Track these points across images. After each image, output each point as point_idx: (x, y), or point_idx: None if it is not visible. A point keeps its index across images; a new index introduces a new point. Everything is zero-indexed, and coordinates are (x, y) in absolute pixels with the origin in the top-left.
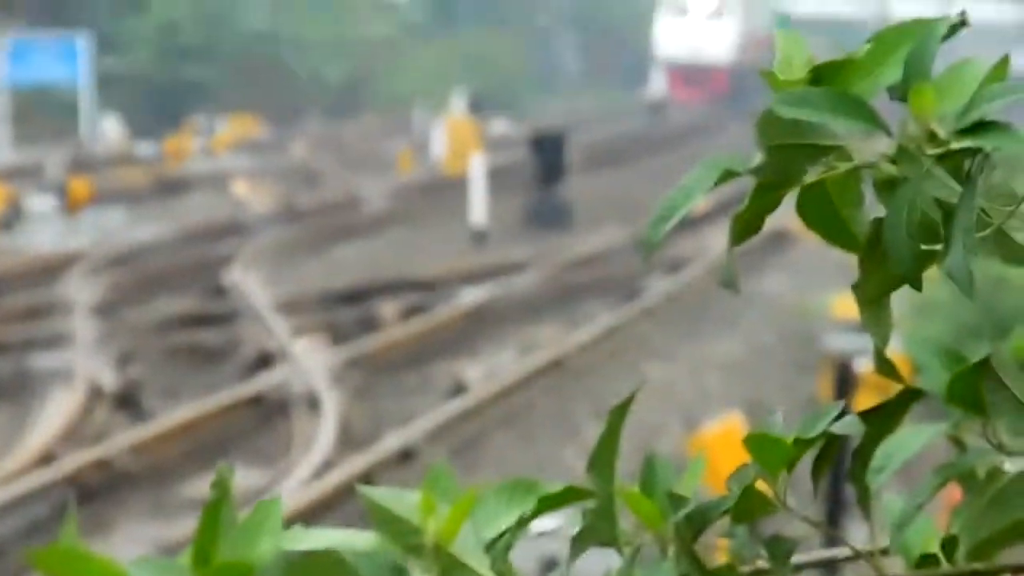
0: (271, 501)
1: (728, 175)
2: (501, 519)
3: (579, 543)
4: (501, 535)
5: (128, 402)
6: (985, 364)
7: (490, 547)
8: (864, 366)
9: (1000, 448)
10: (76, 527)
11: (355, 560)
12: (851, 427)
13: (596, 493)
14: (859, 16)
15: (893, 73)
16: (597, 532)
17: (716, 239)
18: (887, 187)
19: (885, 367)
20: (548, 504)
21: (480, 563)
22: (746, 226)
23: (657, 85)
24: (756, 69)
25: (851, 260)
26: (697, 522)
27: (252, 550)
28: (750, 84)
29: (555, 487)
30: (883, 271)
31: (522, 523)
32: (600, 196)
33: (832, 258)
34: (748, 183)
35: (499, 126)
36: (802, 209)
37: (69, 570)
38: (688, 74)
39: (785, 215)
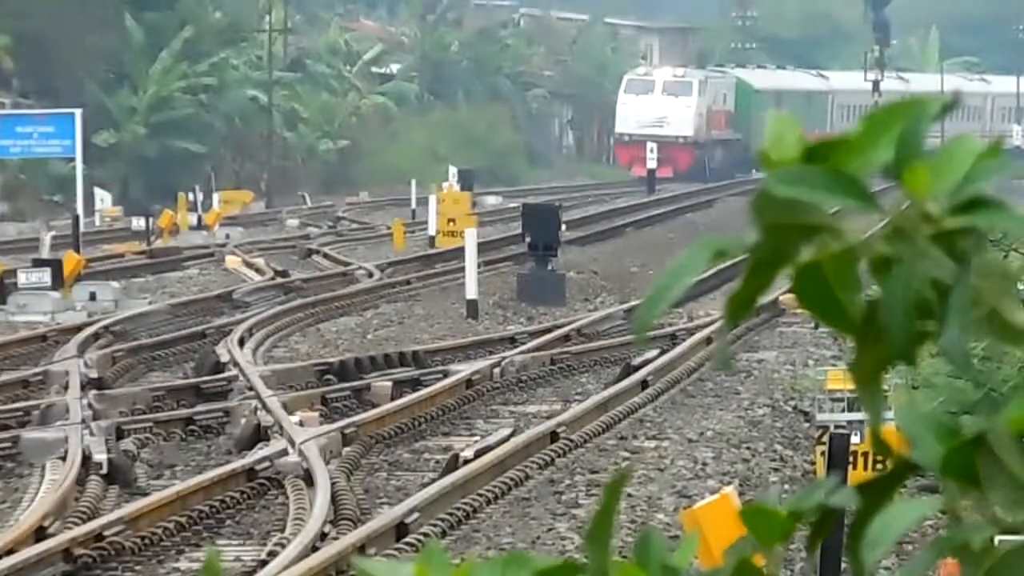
0: None
1: (721, 255)
2: None
3: None
4: None
5: (121, 476)
6: (980, 438)
7: None
8: (858, 440)
9: (995, 522)
10: None
11: None
12: (846, 500)
13: (591, 568)
14: (815, 88)
15: (886, 152)
16: None
17: (709, 308)
18: (882, 267)
19: (879, 443)
20: None
21: None
22: (741, 306)
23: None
24: (718, 144)
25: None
26: None
27: None
28: (713, 158)
29: (550, 562)
30: (878, 350)
31: None
32: (592, 268)
33: (824, 329)
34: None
35: (491, 200)
36: (798, 288)
37: None
38: (648, 150)
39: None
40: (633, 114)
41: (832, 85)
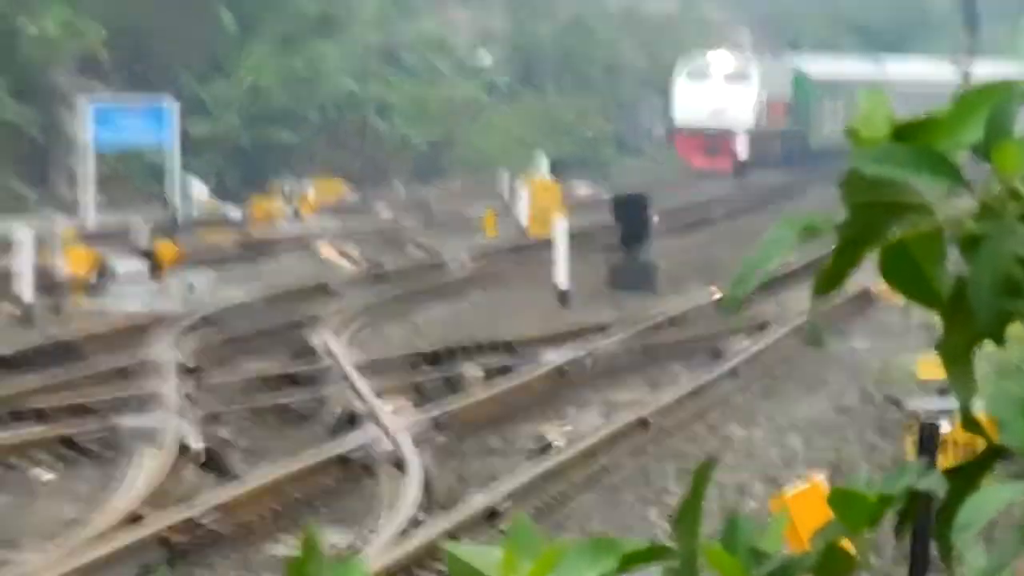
0: (355, 559)
1: (809, 232)
2: (585, 575)
3: None
4: None
5: (215, 462)
6: None
7: None
8: (948, 427)
9: None
10: None
11: None
12: (935, 484)
13: (678, 551)
14: (867, 77)
15: (975, 132)
16: None
17: (797, 299)
18: (970, 245)
19: (970, 424)
20: (630, 562)
21: None
22: (829, 281)
23: (740, 147)
24: (777, 136)
25: (934, 321)
26: None
27: None
28: (771, 149)
29: (637, 545)
30: (966, 328)
31: None
32: (682, 257)
33: (916, 318)
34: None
35: (582, 188)
36: (885, 267)
37: None
38: (709, 142)
39: (869, 277)
40: (690, 103)
41: (889, 74)
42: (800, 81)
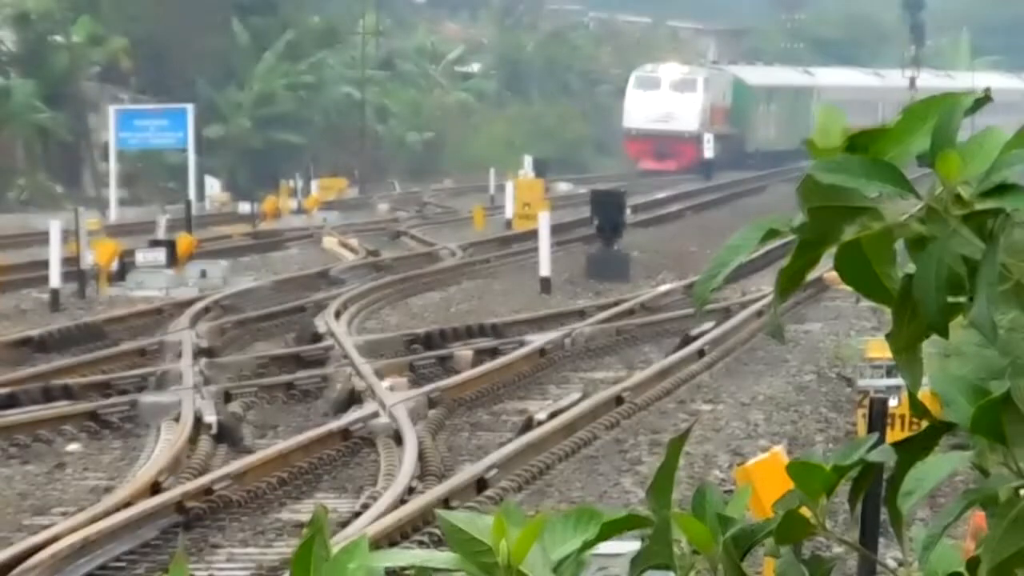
0: (358, 539)
1: (772, 235)
2: (567, 543)
3: (638, 564)
4: (567, 557)
5: (228, 435)
6: (1006, 399)
7: (557, 568)
8: (895, 403)
9: (1020, 474)
10: (184, 560)
11: None
12: (885, 456)
13: (654, 520)
14: (802, 84)
15: (922, 142)
16: (655, 554)
17: (760, 284)
18: (917, 245)
19: (917, 406)
20: (610, 530)
21: None
22: (791, 280)
23: (707, 148)
24: (718, 139)
25: (881, 305)
26: (744, 543)
27: None
28: (716, 153)
29: (616, 514)
30: (914, 321)
31: (586, 547)
32: (654, 248)
33: (865, 303)
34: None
35: (563, 186)
36: (840, 265)
37: None
38: (658, 145)
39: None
40: (641, 109)
41: (818, 81)
42: (738, 88)
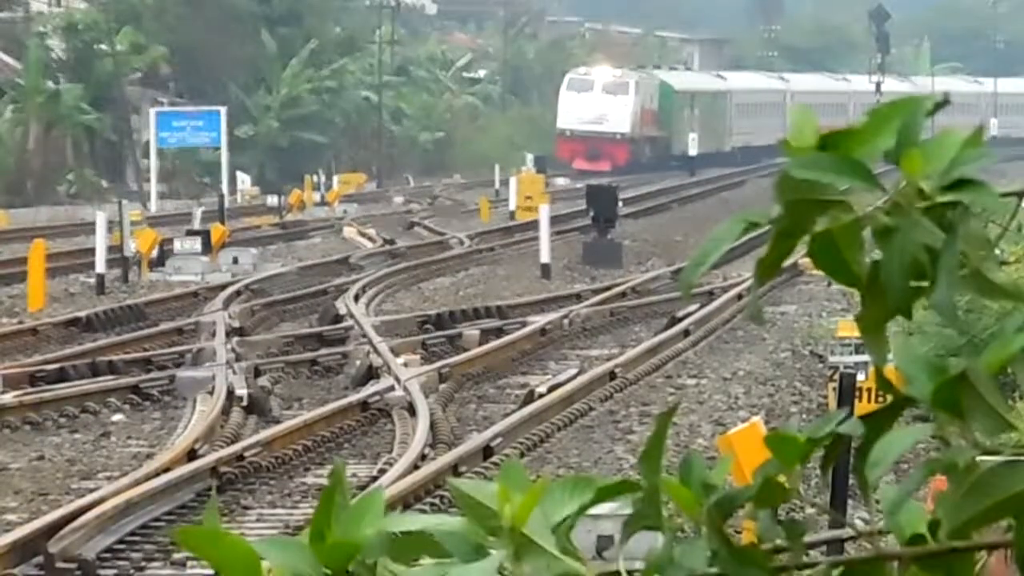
0: (375, 492)
1: (752, 227)
2: (565, 506)
3: (630, 526)
4: (565, 519)
5: (257, 407)
6: (963, 376)
7: (555, 529)
8: (863, 377)
9: (976, 445)
10: (216, 512)
11: (444, 539)
12: (854, 429)
13: (644, 486)
14: (719, 88)
15: (888, 141)
16: (645, 517)
17: (740, 270)
18: (883, 235)
19: (882, 381)
20: (604, 495)
21: (548, 542)
22: (768, 268)
23: (691, 145)
24: (648, 140)
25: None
26: (726, 507)
27: (360, 531)
28: (646, 153)
29: (609, 481)
30: (880, 304)
31: (582, 510)
32: (644, 237)
33: (835, 287)
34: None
35: (561, 181)
36: (814, 254)
37: (209, 548)
38: (590, 146)
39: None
40: (574, 111)
41: (731, 86)
42: (665, 91)
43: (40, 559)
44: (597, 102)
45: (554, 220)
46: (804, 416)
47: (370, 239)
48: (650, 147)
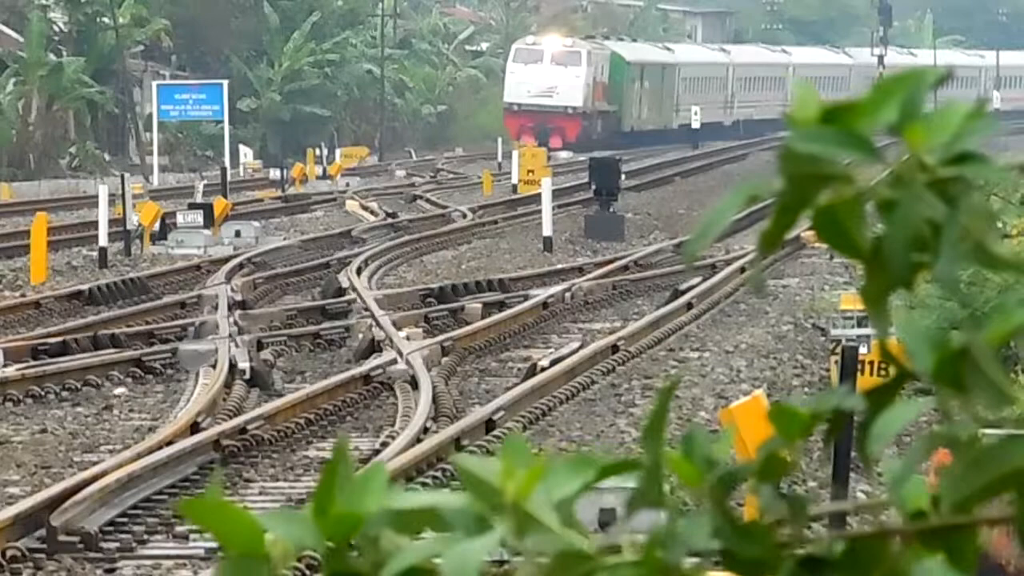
0: (378, 465)
1: (754, 199)
2: (568, 484)
3: (632, 503)
4: (568, 497)
5: (259, 380)
6: (965, 350)
7: (558, 505)
8: (865, 350)
9: (978, 419)
10: (220, 484)
11: (447, 515)
12: (856, 403)
13: (646, 462)
14: (667, 60)
15: (891, 113)
16: (648, 494)
17: (743, 243)
18: (886, 208)
19: (885, 354)
20: (606, 474)
21: (551, 519)
22: (771, 241)
23: (694, 119)
24: (600, 115)
25: (852, 262)
26: (729, 482)
27: (363, 504)
28: (597, 129)
29: (612, 459)
30: (883, 277)
31: (585, 488)
32: (647, 210)
33: (838, 260)
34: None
35: (563, 154)
36: (817, 227)
37: (213, 520)
38: (540, 120)
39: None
40: (522, 83)
41: (678, 58)
42: (616, 63)
43: (43, 532)
44: (547, 73)
45: (556, 193)
46: (806, 389)
47: (372, 212)
48: (602, 122)
